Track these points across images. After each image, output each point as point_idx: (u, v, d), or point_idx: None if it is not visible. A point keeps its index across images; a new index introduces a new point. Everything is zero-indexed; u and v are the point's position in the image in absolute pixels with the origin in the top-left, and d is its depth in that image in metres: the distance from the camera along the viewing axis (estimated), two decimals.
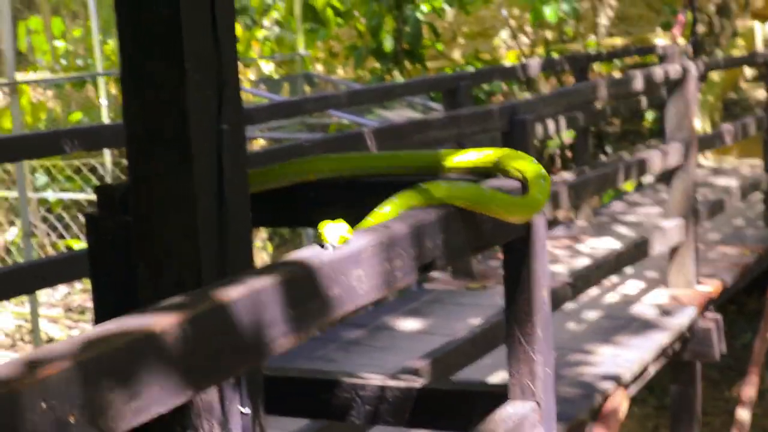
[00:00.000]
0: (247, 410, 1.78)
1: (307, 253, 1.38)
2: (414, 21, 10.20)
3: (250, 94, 7.38)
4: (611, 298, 5.67)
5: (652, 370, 4.99)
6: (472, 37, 14.55)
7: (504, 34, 13.46)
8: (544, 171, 1.84)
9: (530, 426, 1.92)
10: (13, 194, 9.80)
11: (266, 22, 10.35)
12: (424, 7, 10.20)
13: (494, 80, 7.58)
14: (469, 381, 2.41)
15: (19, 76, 12.50)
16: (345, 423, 2.18)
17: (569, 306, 5.45)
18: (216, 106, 1.66)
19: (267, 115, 4.79)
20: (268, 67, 10.10)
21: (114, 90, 11.27)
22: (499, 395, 1.97)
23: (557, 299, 4.29)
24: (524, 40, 13.95)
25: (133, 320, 1.11)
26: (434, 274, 7.13)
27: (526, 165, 1.85)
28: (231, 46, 1.68)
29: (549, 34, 13.90)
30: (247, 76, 11.69)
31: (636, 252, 4.97)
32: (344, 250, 1.40)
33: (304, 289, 1.33)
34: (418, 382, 2.08)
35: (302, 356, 5.02)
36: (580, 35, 13.78)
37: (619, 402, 4.49)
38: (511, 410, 1.91)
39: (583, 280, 4.41)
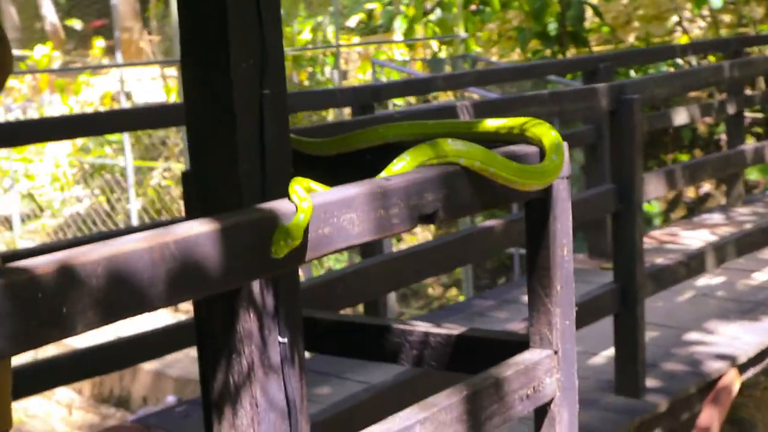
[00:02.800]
0: (284, 339, 2.04)
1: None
2: (577, 4, 10.23)
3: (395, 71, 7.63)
4: (743, 282, 5.67)
5: None
6: (647, 20, 14.39)
7: (676, 17, 13.24)
8: (560, 140, 2.01)
9: (545, 371, 2.10)
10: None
11: (429, 4, 10.59)
12: None
13: (639, 63, 7.57)
14: (498, 331, 2.59)
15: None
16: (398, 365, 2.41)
17: (698, 286, 5.50)
18: (259, 73, 1.91)
19: (398, 92, 5.02)
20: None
21: None
22: (521, 343, 2.15)
23: (668, 277, 4.38)
24: (701, 23, 13.71)
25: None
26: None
27: (544, 132, 2.03)
28: (274, 21, 1.93)
29: (727, 18, 13.62)
30: (411, 56, 12.00)
31: (762, 237, 4.96)
32: (336, 194, 1.64)
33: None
34: (457, 330, 2.28)
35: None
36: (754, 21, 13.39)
37: (731, 381, 4.54)
38: (528, 356, 2.09)
39: (698, 260, 4.46)
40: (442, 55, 11.34)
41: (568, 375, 2.17)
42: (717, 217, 7.28)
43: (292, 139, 2.40)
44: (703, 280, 5.57)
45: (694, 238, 6.56)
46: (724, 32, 12.88)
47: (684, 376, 4.32)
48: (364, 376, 4.27)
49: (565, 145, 2.06)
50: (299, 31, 13.69)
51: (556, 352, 2.13)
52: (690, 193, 10.70)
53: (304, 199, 1.57)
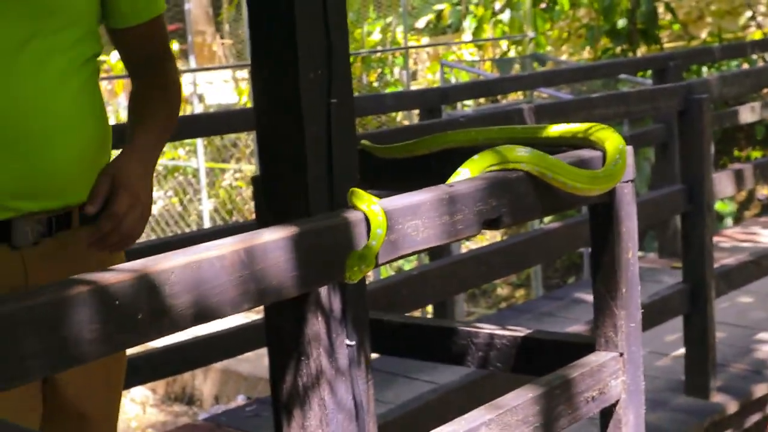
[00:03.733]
0: (352, 342, 2.08)
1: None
2: (647, 1, 10.14)
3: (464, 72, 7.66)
4: None
5: None
6: (720, 15, 14.20)
7: (749, 12, 13.04)
8: (623, 144, 2.03)
9: (610, 374, 2.11)
10: None
11: (498, 4, 10.59)
12: None
13: (711, 61, 7.48)
14: (564, 333, 2.61)
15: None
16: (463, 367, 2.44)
17: (765, 287, 5.43)
18: (326, 82, 1.96)
19: (465, 94, 5.05)
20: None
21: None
22: (588, 345, 2.17)
23: (739, 277, 4.34)
24: None
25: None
26: (641, 252, 7.19)
27: (607, 137, 2.04)
28: (341, 31, 1.98)
29: None
30: (481, 56, 11.99)
31: None
32: (401, 201, 1.68)
33: (363, 232, 1.63)
34: (522, 332, 2.31)
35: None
36: None
37: None
38: (593, 359, 2.11)
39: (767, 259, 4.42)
40: (512, 54, 11.32)
41: (634, 377, 2.18)
42: None
43: (361, 144, 2.46)
44: None
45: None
46: None
47: (755, 377, 4.29)
48: (432, 377, 4.30)
49: (629, 149, 2.07)
50: (369, 32, 13.77)
51: (621, 355, 2.14)
52: (765, 190, 10.54)
53: (378, 226, 1.59)
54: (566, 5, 10.80)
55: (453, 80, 10.17)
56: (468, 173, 1.89)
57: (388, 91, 11.42)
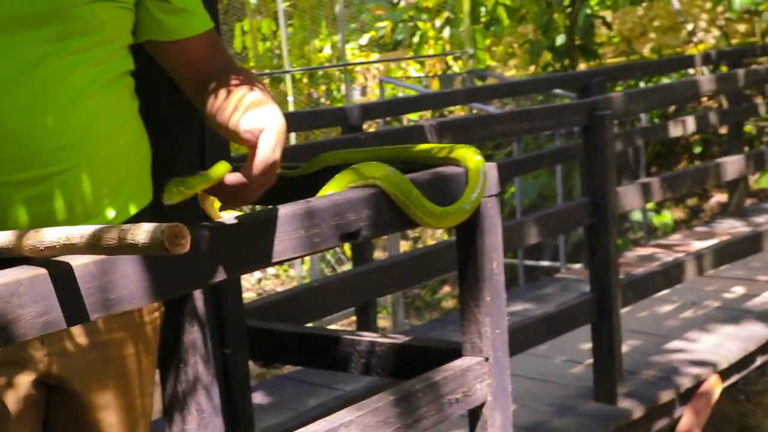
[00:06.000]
0: (228, 350, 2.20)
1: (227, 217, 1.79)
2: (584, 17, 10.37)
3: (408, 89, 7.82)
4: (732, 290, 5.77)
5: (759, 361, 5.09)
6: (663, 31, 14.49)
7: (690, 26, 13.32)
8: (482, 164, 2.16)
9: (475, 377, 2.24)
10: None
11: (438, 22, 10.77)
12: (592, 3, 10.35)
13: (637, 76, 7.69)
14: (436, 339, 2.74)
15: None
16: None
17: (687, 294, 5.62)
18: None
19: (385, 111, 5.19)
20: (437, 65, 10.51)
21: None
22: (455, 351, 2.31)
23: (647, 286, 4.51)
24: (716, 33, 13.78)
25: None
26: (575, 264, 7.37)
27: (468, 156, 2.18)
28: None
29: (741, 28, 13.69)
30: (426, 72, 12.18)
31: (747, 246, 5.08)
32: (258, 215, 1.81)
33: (226, 244, 1.74)
34: (400, 339, 2.44)
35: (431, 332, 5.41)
36: None
37: (712, 387, 4.65)
38: (459, 363, 2.24)
39: (676, 269, 4.59)
40: (456, 70, 11.52)
41: (500, 380, 2.31)
42: (721, 226, 7.38)
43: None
44: (692, 288, 5.69)
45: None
46: (735, 43, 12.95)
47: (663, 383, 4.44)
48: (356, 387, 4.42)
49: (490, 166, 2.21)
50: (321, 48, 13.91)
51: (486, 359, 2.27)
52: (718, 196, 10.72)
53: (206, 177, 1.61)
54: (505, 21, 11.00)
55: (401, 95, 10.35)
56: (330, 188, 2.02)
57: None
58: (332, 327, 8.39)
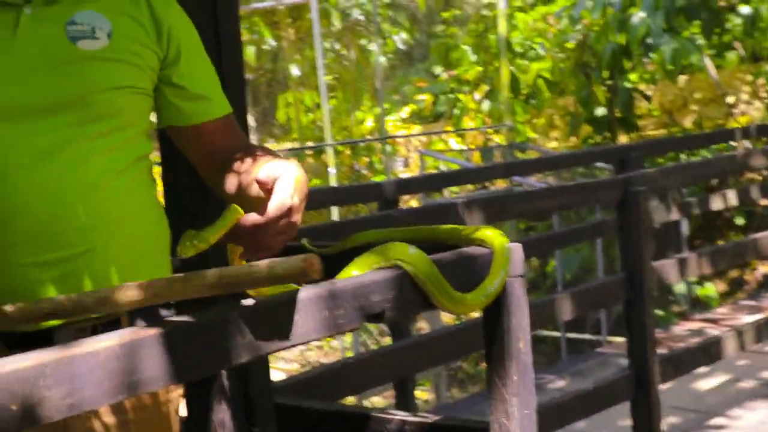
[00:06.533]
0: (256, 429, 2.22)
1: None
2: (624, 90, 10.42)
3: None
4: None
5: None
6: (705, 103, 14.47)
7: (731, 99, 13.32)
8: (507, 245, 2.18)
9: None
10: None
11: (477, 95, 10.88)
12: (632, 77, 10.41)
13: (675, 150, 7.70)
14: (465, 419, 2.73)
15: (272, 145, 13.60)
16: None
17: (729, 371, 5.55)
18: None
19: (423, 186, 5.24)
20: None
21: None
22: (484, 431, 2.30)
23: (686, 362, 4.47)
24: (758, 105, 13.74)
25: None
26: (617, 338, 7.31)
27: (494, 237, 2.20)
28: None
29: None
30: (468, 145, 12.25)
31: None
32: (283, 298, 1.83)
33: (249, 326, 1.77)
34: (430, 418, 2.45)
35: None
36: None
37: None
38: None
39: (716, 345, 4.55)
40: (496, 142, 11.60)
41: None
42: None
43: (301, 242, 2.60)
44: (735, 364, 5.62)
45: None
46: None
47: None
48: None
49: (516, 247, 2.23)
50: (363, 120, 14.08)
51: None
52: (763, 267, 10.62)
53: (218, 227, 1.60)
54: (546, 93, 11.07)
55: (444, 169, 10.42)
56: (358, 269, 2.05)
57: (374, 179, 11.67)
58: (373, 399, 8.39)
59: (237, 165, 1.79)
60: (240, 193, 1.75)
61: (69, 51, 1.74)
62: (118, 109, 1.78)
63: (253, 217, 1.58)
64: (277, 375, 10.61)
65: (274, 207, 1.58)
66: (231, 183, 1.79)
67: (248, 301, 1.79)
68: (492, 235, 2.21)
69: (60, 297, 1.63)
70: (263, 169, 1.62)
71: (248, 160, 1.77)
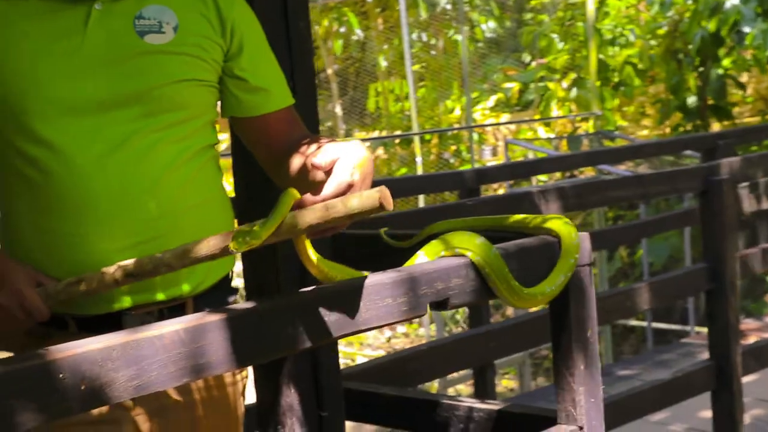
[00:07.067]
0: (325, 413, 2.26)
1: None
2: (716, 77, 10.22)
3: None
4: None
5: None
6: None
7: None
8: (575, 234, 2.18)
9: None
10: None
11: (564, 83, 10.78)
12: (726, 63, 10.21)
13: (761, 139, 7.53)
14: (533, 407, 2.72)
15: (360, 135, 13.70)
16: None
17: None
18: None
19: (503, 176, 5.24)
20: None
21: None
22: (550, 419, 2.31)
23: None
24: None
25: None
26: (701, 329, 7.21)
27: (560, 226, 2.20)
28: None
29: None
30: (556, 133, 12.16)
31: None
32: (346, 284, 1.87)
33: (312, 311, 1.80)
34: (498, 405, 2.46)
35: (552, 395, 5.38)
36: None
37: None
38: (553, 430, 2.25)
39: None
40: (585, 131, 11.48)
41: None
42: None
43: (379, 232, 2.62)
44: None
45: None
46: None
47: None
48: None
49: (583, 236, 2.23)
50: (452, 109, 14.05)
51: (581, 428, 2.27)
52: None
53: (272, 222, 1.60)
54: (635, 81, 10.92)
55: (531, 156, 10.38)
56: (424, 257, 2.07)
57: (462, 168, 11.65)
58: (458, 386, 8.40)
59: (298, 154, 1.82)
60: (300, 177, 1.79)
61: (137, 45, 1.79)
62: (184, 101, 1.83)
63: (311, 198, 1.57)
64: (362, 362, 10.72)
65: (332, 186, 1.59)
66: (292, 171, 1.83)
67: (311, 288, 1.83)
68: (560, 224, 2.22)
69: (142, 258, 1.70)
70: (322, 152, 1.64)
71: (309, 148, 1.80)
